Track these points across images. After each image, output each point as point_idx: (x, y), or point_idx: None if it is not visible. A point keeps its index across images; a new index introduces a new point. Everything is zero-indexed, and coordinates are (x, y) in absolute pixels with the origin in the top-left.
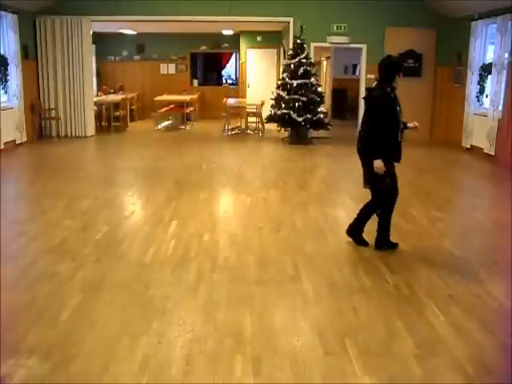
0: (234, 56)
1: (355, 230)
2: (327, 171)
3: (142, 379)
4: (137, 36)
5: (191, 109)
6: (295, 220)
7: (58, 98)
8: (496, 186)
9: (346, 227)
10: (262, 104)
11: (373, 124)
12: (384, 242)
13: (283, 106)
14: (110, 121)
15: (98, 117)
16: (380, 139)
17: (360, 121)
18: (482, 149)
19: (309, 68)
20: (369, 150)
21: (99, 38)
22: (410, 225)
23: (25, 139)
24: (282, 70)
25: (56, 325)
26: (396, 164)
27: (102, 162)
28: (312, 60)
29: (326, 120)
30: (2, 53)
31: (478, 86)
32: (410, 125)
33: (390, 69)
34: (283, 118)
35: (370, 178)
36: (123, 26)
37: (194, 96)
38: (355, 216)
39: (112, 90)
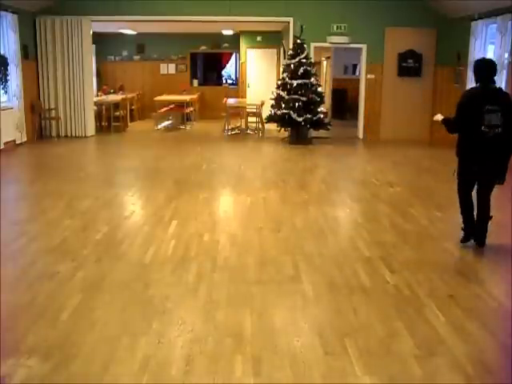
0: (233, 56)
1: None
2: (327, 171)
3: (142, 379)
4: (137, 36)
5: (191, 109)
6: (295, 220)
7: (58, 98)
8: (496, 186)
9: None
10: (262, 104)
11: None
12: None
13: (283, 105)
14: (109, 121)
15: (98, 117)
16: None
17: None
18: None
19: (309, 68)
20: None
21: (99, 38)
22: (410, 225)
23: (25, 139)
24: (282, 69)
25: (56, 325)
26: None
27: (102, 162)
28: (312, 60)
29: (326, 120)
30: (2, 53)
31: None
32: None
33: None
34: (283, 118)
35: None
36: (123, 25)
37: (194, 96)
38: (476, 219)
39: (112, 90)
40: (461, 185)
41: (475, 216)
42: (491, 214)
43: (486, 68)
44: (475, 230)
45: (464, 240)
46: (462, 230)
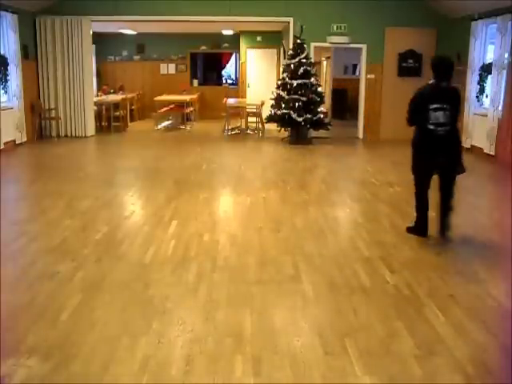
0: (233, 56)
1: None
2: (327, 171)
3: (142, 379)
4: (137, 36)
5: (191, 109)
6: (295, 220)
7: (58, 98)
8: (496, 186)
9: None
10: (262, 104)
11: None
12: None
13: (283, 106)
14: (110, 121)
15: (98, 117)
16: None
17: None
18: (482, 149)
19: (309, 68)
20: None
21: (99, 38)
22: (410, 225)
23: (25, 139)
24: (282, 69)
25: (56, 325)
26: None
27: (102, 162)
28: (312, 60)
29: (326, 120)
30: (2, 53)
31: (478, 86)
32: None
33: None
34: (283, 118)
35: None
36: (123, 26)
37: (194, 96)
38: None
39: (112, 90)
40: (417, 181)
41: (439, 208)
42: (453, 207)
43: (439, 66)
44: (440, 222)
45: (411, 230)
46: (414, 222)
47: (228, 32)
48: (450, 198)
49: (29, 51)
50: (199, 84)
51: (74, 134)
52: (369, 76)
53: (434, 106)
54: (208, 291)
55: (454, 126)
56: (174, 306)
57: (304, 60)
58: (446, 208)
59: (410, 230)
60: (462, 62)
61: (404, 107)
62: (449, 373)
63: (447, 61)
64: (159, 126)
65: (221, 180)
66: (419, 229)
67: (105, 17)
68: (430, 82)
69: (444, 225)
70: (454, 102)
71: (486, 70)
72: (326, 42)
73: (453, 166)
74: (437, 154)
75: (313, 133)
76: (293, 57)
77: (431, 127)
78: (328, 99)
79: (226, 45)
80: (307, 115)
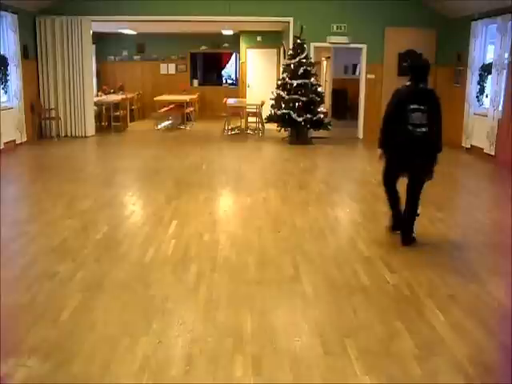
0: (233, 56)
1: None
2: (327, 171)
3: (142, 379)
4: (137, 36)
5: (191, 109)
6: (295, 220)
7: (58, 98)
8: (496, 186)
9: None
10: (262, 104)
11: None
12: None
13: (283, 106)
14: (110, 121)
15: (98, 117)
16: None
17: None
18: (482, 149)
19: (309, 68)
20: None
21: (99, 38)
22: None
23: (25, 139)
24: (281, 69)
25: (56, 325)
26: None
27: (102, 162)
28: (312, 60)
29: (326, 120)
30: (2, 53)
31: (478, 86)
32: None
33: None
34: (283, 118)
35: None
36: (123, 25)
37: (194, 96)
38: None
39: (112, 90)
40: (385, 178)
41: (404, 212)
42: (418, 212)
43: (416, 68)
44: (402, 225)
45: (392, 229)
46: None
47: (228, 32)
48: (414, 202)
49: (29, 51)
50: (199, 84)
51: (73, 134)
52: (369, 76)
53: (413, 106)
54: (208, 291)
55: (432, 129)
56: (174, 306)
57: (304, 60)
58: (408, 211)
59: (389, 229)
60: (462, 61)
61: None
62: (449, 373)
63: (424, 63)
64: (159, 126)
65: (221, 180)
66: (393, 225)
67: (105, 17)
68: (407, 83)
69: (406, 231)
70: (431, 103)
71: (486, 70)
72: (325, 42)
73: (424, 170)
74: (412, 155)
75: (313, 133)
76: (293, 57)
77: (410, 128)
78: (328, 99)
79: (226, 45)
80: (307, 115)
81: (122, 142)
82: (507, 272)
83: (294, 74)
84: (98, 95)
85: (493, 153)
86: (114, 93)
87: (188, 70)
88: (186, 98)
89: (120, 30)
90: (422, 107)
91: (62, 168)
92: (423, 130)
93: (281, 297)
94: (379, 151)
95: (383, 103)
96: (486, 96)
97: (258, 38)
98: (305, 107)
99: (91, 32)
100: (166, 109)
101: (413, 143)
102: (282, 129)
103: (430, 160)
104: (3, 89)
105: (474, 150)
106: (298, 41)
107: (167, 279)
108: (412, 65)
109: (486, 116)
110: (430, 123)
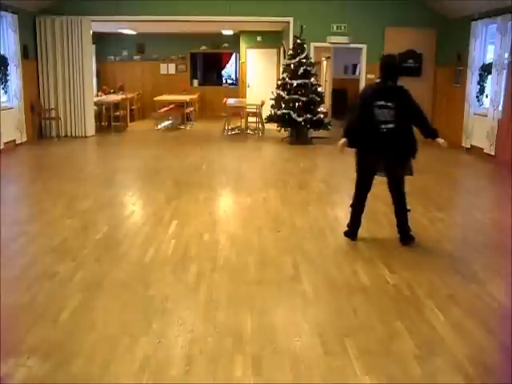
0: (233, 56)
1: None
2: (327, 171)
3: (142, 379)
4: (137, 36)
5: (191, 109)
6: (295, 220)
7: (58, 98)
8: (496, 186)
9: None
10: (262, 104)
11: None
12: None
13: (283, 106)
14: (110, 121)
15: (98, 117)
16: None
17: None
18: (482, 149)
19: (309, 68)
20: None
21: (99, 38)
22: (410, 225)
23: (25, 139)
24: (282, 69)
25: (56, 325)
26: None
27: (102, 162)
28: (312, 60)
29: (326, 120)
30: (2, 53)
31: (478, 86)
32: None
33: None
34: (283, 118)
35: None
36: (123, 25)
37: (194, 96)
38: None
39: (112, 90)
40: (358, 180)
41: (395, 212)
42: (408, 208)
43: (385, 65)
44: (398, 228)
45: (349, 234)
46: (347, 226)
47: (228, 32)
48: (400, 199)
49: (29, 51)
50: (199, 84)
51: (73, 134)
52: (369, 76)
53: (379, 103)
54: (208, 291)
55: (401, 126)
56: (174, 306)
57: (304, 60)
58: (398, 210)
59: (345, 233)
60: (462, 61)
61: None
62: (449, 373)
63: (393, 60)
64: (159, 126)
65: (221, 180)
66: (349, 232)
67: (105, 17)
68: (376, 80)
69: (402, 230)
70: (400, 101)
71: (486, 69)
72: (325, 42)
73: (397, 167)
74: (380, 153)
75: (313, 133)
76: (293, 57)
77: (376, 124)
78: (328, 99)
79: (226, 45)
80: (307, 115)
81: (122, 142)
82: (507, 272)
83: (293, 74)
84: (98, 95)
85: (493, 153)
86: (114, 93)
87: (188, 70)
88: (186, 98)
89: (120, 30)
90: (388, 104)
91: (61, 168)
92: (389, 126)
93: (281, 297)
94: (343, 140)
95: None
96: (486, 96)
97: (258, 38)
98: (305, 107)
99: (91, 32)
100: (165, 109)
101: (379, 140)
102: (282, 129)
103: (400, 155)
104: (3, 89)
105: (474, 150)
106: (298, 41)
107: (167, 279)
108: (381, 62)
109: (486, 116)
110: (398, 120)
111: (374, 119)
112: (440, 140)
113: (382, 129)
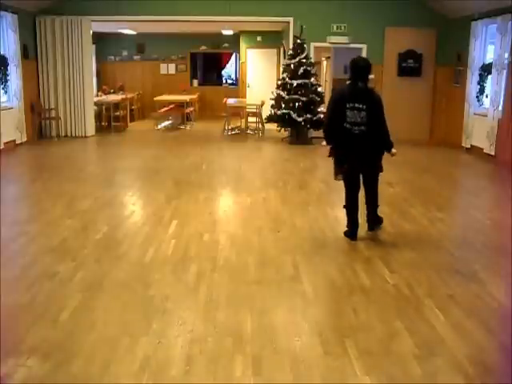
0: (233, 56)
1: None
2: (327, 171)
3: (141, 379)
4: (137, 36)
5: (191, 109)
6: (295, 220)
7: (58, 98)
8: (496, 186)
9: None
10: (262, 104)
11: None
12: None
13: (283, 106)
14: (110, 121)
15: (98, 117)
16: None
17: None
18: (482, 149)
19: (309, 68)
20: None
21: (99, 38)
22: (410, 225)
23: (25, 139)
24: (282, 69)
25: (56, 325)
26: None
27: (102, 162)
28: (312, 60)
29: None
30: (2, 53)
31: (478, 86)
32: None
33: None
34: (283, 118)
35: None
36: (123, 25)
37: (194, 96)
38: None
39: (112, 90)
40: (345, 180)
41: (366, 207)
42: (378, 204)
43: (355, 68)
44: (368, 219)
45: (349, 235)
46: (347, 226)
47: (228, 32)
48: (372, 195)
49: (29, 51)
50: (199, 84)
51: (73, 134)
52: (369, 76)
53: (350, 105)
54: (208, 291)
55: (372, 128)
56: (174, 306)
57: (304, 60)
58: (369, 204)
59: (344, 233)
60: (462, 62)
61: (404, 107)
62: (449, 373)
63: (363, 62)
64: (159, 126)
65: (221, 180)
66: (349, 232)
67: (105, 17)
68: (347, 82)
69: (370, 220)
70: (370, 103)
71: (486, 69)
72: (325, 42)
73: (370, 166)
74: (352, 154)
75: (313, 133)
76: (293, 57)
77: (347, 126)
78: (328, 99)
79: (226, 45)
80: (307, 115)
81: (122, 142)
82: (507, 272)
83: (293, 74)
84: (98, 95)
85: (493, 153)
86: (114, 93)
87: (188, 69)
88: (186, 98)
89: (120, 30)
90: (359, 106)
91: (61, 168)
92: (362, 128)
93: (281, 297)
94: (328, 148)
95: (383, 103)
96: (486, 96)
97: (258, 38)
98: (305, 107)
99: (91, 32)
100: (165, 109)
101: (351, 141)
102: (282, 129)
103: (370, 156)
104: (3, 89)
105: (474, 150)
106: (298, 41)
107: (167, 279)
108: (351, 64)
109: (486, 116)
110: (369, 121)
111: (347, 121)
112: (393, 150)
113: (355, 130)
